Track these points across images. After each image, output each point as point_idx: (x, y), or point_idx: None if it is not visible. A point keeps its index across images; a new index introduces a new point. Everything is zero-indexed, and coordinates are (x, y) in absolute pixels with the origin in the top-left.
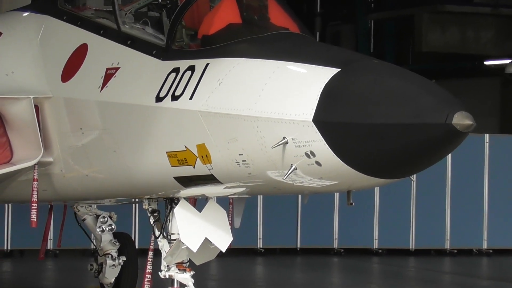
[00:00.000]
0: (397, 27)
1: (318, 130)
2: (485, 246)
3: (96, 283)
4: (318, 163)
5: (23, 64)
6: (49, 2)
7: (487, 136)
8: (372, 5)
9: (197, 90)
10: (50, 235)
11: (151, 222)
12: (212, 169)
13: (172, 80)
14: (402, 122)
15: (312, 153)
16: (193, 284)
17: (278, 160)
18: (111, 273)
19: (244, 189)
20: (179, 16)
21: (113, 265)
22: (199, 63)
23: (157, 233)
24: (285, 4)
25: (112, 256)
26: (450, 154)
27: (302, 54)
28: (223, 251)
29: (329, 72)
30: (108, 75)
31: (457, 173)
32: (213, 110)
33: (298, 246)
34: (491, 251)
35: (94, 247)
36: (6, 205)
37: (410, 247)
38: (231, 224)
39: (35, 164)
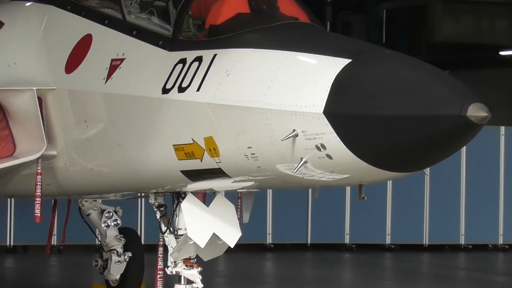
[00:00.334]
0: (409, 17)
1: (329, 122)
2: (501, 241)
3: (101, 280)
4: (329, 156)
5: (25, 55)
6: None
7: (502, 128)
8: None
9: (204, 81)
10: (54, 230)
11: (158, 217)
12: (220, 162)
13: (178, 71)
14: (415, 114)
15: (323, 146)
16: (201, 280)
17: (288, 153)
18: (116, 270)
19: (253, 183)
20: (186, 6)
21: (119, 261)
22: (207, 54)
23: (163, 228)
24: None
25: (117, 252)
26: (464, 147)
27: (312, 45)
28: (232, 246)
29: (340, 63)
30: (113, 66)
31: (471, 166)
32: (221, 102)
33: (309, 241)
34: (507, 246)
35: (99, 243)
36: (8, 200)
37: (424, 243)
38: (240, 219)
39: (38, 158)
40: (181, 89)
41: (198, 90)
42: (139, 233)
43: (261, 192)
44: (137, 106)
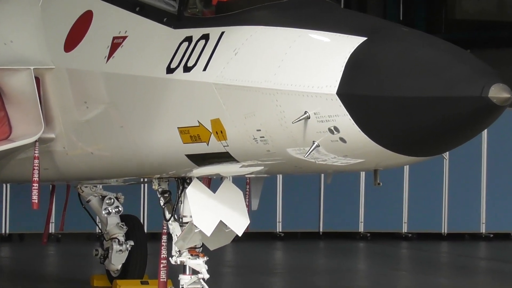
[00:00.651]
0: None
1: (343, 104)
2: None
3: (102, 270)
4: (342, 139)
5: (22, 32)
6: None
7: None
8: None
9: (211, 60)
10: (52, 218)
11: (161, 204)
12: (228, 146)
13: (184, 50)
14: (433, 95)
15: (336, 129)
16: (207, 270)
17: (299, 137)
18: (118, 259)
19: (262, 167)
20: None
21: (120, 250)
22: (214, 32)
23: (167, 215)
24: None
25: (119, 241)
26: (485, 130)
27: (326, 22)
28: (239, 235)
29: (355, 41)
30: (115, 45)
31: (493, 150)
32: (228, 82)
33: (321, 230)
34: None
35: (100, 231)
36: (4, 186)
37: (443, 231)
38: (248, 206)
39: (35, 141)
40: (187, 69)
41: (204, 69)
42: (141, 221)
43: (270, 177)
44: (140, 86)
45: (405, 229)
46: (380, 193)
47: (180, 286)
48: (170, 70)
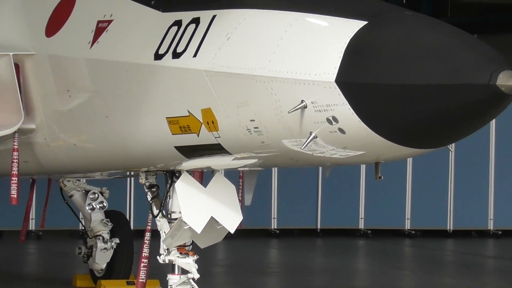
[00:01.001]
0: None
1: (342, 92)
2: None
3: (85, 270)
4: (341, 130)
5: (0, 16)
6: None
7: None
8: None
9: (202, 46)
10: (32, 214)
11: (149, 199)
12: (219, 137)
13: (173, 35)
14: (438, 83)
15: (335, 119)
16: (197, 270)
17: (295, 127)
18: (102, 258)
19: (256, 160)
20: None
21: (105, 248)
22: (205, 15)
23: (155, 211)
24: None
25: (103, 238)
26: (494, 120)
27: (324, 5)
28: (232, 232)
29: (354, 25)
30: (100, 29)
31: (502, 142)
32: (220, 69)
33: (318, 226)
34: None
35: (83, 228)
36: None
37: (448, 228)
38: (241, 201)
39: (15, 132)
40: (176, 55)
41: (194, 56)
42: (127, 217)
43: (265, 171)
44: (126, 73)
45: (408, 225)
46: (382, 188)
47: (169, 286)
48: (158, 56)
